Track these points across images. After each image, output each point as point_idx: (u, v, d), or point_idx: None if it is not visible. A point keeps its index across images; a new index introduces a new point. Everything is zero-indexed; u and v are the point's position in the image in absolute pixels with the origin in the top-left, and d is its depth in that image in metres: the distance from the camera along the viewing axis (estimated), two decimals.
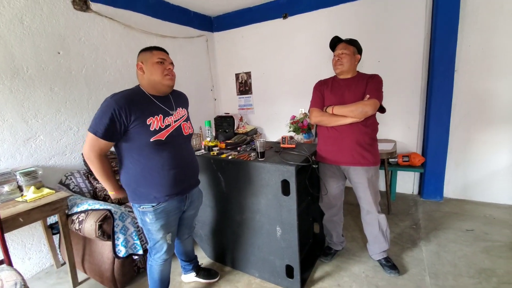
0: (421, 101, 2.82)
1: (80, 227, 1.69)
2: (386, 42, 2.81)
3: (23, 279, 1.17)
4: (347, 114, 1.61)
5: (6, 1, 1.84)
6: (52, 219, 1.95)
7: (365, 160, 1.67)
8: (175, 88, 1.45)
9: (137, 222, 1.79)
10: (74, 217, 1.74)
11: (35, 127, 2.01)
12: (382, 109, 1.70)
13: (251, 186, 1.67)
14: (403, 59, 2.78)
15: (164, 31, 3.09)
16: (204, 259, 2.09)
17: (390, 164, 2.81)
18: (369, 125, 1.67)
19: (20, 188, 1.76)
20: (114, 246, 1.68)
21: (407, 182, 3.06)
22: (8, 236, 1.88)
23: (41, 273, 2.08)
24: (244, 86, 3.86)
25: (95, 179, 2.18)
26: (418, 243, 2.11)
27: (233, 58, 3.83)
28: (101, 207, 1.72)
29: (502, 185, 2.65)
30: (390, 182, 2.80)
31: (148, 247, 1.48)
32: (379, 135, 1.87)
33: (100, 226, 1.62)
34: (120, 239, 1.69)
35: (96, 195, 2.15)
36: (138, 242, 1.76)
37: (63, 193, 1.75)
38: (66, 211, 1.77)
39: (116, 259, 1.72)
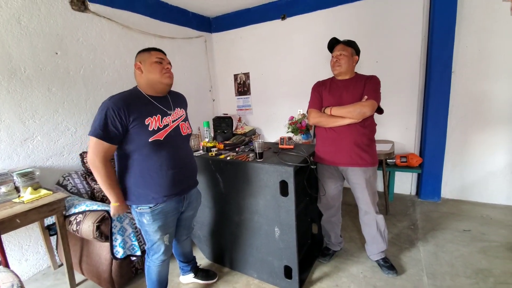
0: (419, 102, 2.83)
1: (77, 228, 1.68)
2: (384, 43, 2.82)
3: (20, 280, 1.17)
4: (345, 115, 1.62)
5: (3, 1, 1.83)
6: (49, 220, 1.94)
7: (363, 160, 1.68)
8: (173, 88, 1.45)
9: (135, 223, 1.78)
10: (72, 218, 1.73)
11: (32, 127, 2.00)
12: (380, 110, 1.70)
13: (250, 187, 1.67)
14: (400, 61, 2.80)
15: (162, 31, 3.08)
16: (202, 260, 2.08)
17: (388, 164, 2.82)
18: (367, 126, 1.67)
19: (17, 189, 1.75)
20: (112, 247, 1.67)
21: (405, 183, 3.08)
22: (4, 237, 1.87)
23: (38, 275, 2.06)
24: (242, 87, 3.86)
25: (93, 179, 2.17)
26: (416, 244, 2.12)
27: (231, 59, 3.83)
28: (99, 208, 1.71)
29: (499, 186, 2.67)
30: (388, 183, 2.81)
31: (146, 248, 1.48)
32: (377, 136, 1.88)
33: (98, 227, 1.62)
34: (118, 240, 1.69)
35: (94, 196, 2.14)
36: (136, 243, 1.76)
37: (60, 194, 1.74)
38: (64, 212, 1.76)
39: (114, 260, 1.71)
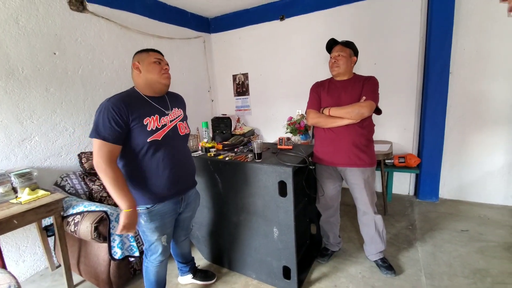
0: (417, 103, 2.85)
1: (75, 229, 1.68)
2: (382, 44, 2.83)
3: (17, 282, 1.16)
4: (344, 116, 1.62)
5: (1, 1, 1.82)
6: (47, 221, 1.93)
7: (361, 161, 1.68)
8: (172, 88, 1.45)
9: None
10: (70, 219, 1.73)
11: (30, 128, 2.00)
12: (378, 111, 1.71)
13: (248, 187, 1.67)
14: (399, 61, 2.81)
15: (161, 32, 3.08)
16: (201, 260, 2.08)
17: (386, 165, 2.83)
18: (365, 126, 1.68)
19: (14, 190, 1.74)
20: (110, 248, 1.67)
21: (403, 183, 3.09)
22: (2, 238, 1.86)
23: (36, 276, 2.05)
24: (241, 88, 3.86)
25: (91, 180, 2.16)
26: (414, 244, 2.13)
27: (230, 59, 3.83)
28: (97, 209, 1.71)
29: (497, 186, 2.68)
30: (386, 183, 2.82)
31: (143, 248, 1.47)
32: (376, 137, 1.88)
33: (96, 228, 1.61)
34: (116, 241, 1.68)
35: (92, 196, 2.13)
36: (134, 243, 1.75)
37: (58, 195, 1.73)
38: (62, 213, 1.75)
39: (112, 261, 1.71)
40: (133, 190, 1.30)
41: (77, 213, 1.72)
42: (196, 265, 1.89)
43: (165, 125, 1.32)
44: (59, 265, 2.09)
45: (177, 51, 3.35)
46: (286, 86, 3.48)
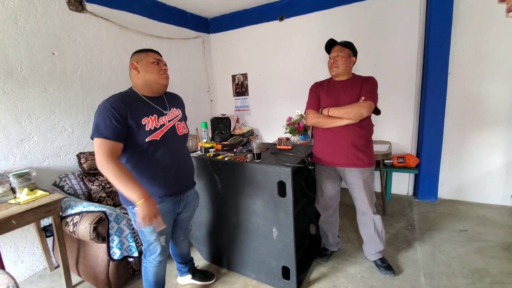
0: (416, 103, 2.85)
1: (74, 229, 1.67)
2: (381, 44, 2.84)
3: (15, 282, 1.16)
4: (343, 116, 1.62)
5: (0, 1, 1.82)
6: (46, 221, 1.92)
7: (360, 161, 1.68)
8: (172, 89, 1.45)
9: (132, 224, 1.77)
10: (69, 219, 1.72)
11: (28, 128, 1.99)
12: (377, 111, 1.71)
13: (247, 188, 1.67)
14: (397, 62, 2.81)
15: (160, 32, 3.08)
16: (200, 261, 2.08)
17: (385, 165, 2.83)
18: (364, 126, 1.68)
19: (13, 190, 1.74)
20: (108, 248, 1.66)
21: (402, 183, 3.09)
22: (0, 239, 1.86)
23: (34, 277, 2.05)
24: (240, 88, 3.86)
25: (90, 180, 2.16)
26: (413, 244, 2.13)
27: (229, 59, 3.83)
28: (96, 209, 1.71)
29: (495, 186, 2.69)
30: (385, 183, 2.82)
31: (142, 249, 1.47)
32: (375, 137, 1.89)
33: (95, 228, 1.61)
34: (115, 241, 1.68)
35: (91, 197, 2.12)
36: (133, 244, 1.75)
37: (57, 195, 1.73)
38: (60, 213, 1.75)
39: (110, 262, 1.70)
40: None
41: (76, 214, 1.72)
42: (195, 265, 1.89)
43: (163, 125, 1.32)
44: (58, 266, 2.08)
45: (176, 51, 3.34)
46: (285, 86, 3.48)
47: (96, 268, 1.76)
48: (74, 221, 1.69)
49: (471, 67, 2.56)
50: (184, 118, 1.50)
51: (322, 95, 1.76)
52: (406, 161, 2.78)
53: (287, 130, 3.13)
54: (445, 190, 2.90)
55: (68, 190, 2.04)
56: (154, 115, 1.30)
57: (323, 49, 1.81)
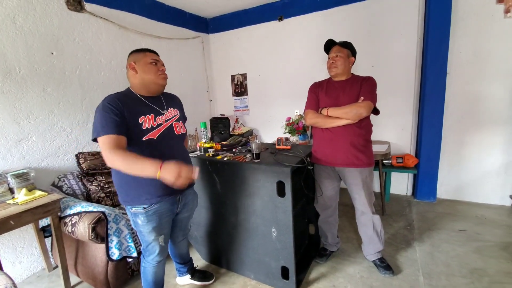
0: (415, 103, 2.86)
1: (73, 229, 1.67)
2: (380, 45, 2.84)
3: (13, 283, 1.15)
4: (342, 116, 1.63)
5: None
6: (44, 222, 1.92)
7: (359, 161, 1.68)
8: (171, 89, 1.45)
9: (131, 224, 1.77)
10: (67, 220, 1.72)
11: (27, 128, 1.98)
12: (376, 111, 1.72)
13: (247, 188, 1.67)
14: (396, 62, 2.82)
15: (159, 32, 3.08)
16: (199, 261, 2.07)
17: (384, 165, 2.83)
18: (363, 126, 1.69)
19: (11, 190, 1.73)
20: (107, 248, 1.66)
21: (401, 183, 3.10)
22: None
23: (33, 277, 2.04)
24: (239, 88, 3.86)
25: (88, 181, 2.15)
26: (412, 244, 2.14)
27: (228, 59, 3.83)
28: (95, 209, 1.70)
29: (494, 186, 2.69)
30: (384, 183, 2.82)
31: (141, 249, 1.47)
32: (373, 137, 1.89)
33: (94, 229, 1.60)
34: (113, 241, 1.67)
35: (89, 197, 2.12)
36: (132, 244, 1.74)
37: (55, 195, 1.72)
38: (59, 214, 1.74)
39: (109, 262, 1.70)
40: (129, 189, 1.30)
41: (74, 214, 1.72)
42: (194, 265, 1.89)
43: (160, 124, 1.32)
44: (56, 266, 2.08)
45: (176, 51, 3.34)
46: (285, 87, 3.49)
47: (95, 268, 1.76)
48: (73, 222, 1.68)
49: (470, 67, 2.57)
50: (182, 118, 1.50)
51: (321, 95, 1.77)
52: (405, 161, 2.78)
53: (286, 130, 3.13)
54: (444, 190, 2.91)
55: (66, 190, 2.03)
56: (151, 114, 1.30)
57: (322, 49, 1.81)
